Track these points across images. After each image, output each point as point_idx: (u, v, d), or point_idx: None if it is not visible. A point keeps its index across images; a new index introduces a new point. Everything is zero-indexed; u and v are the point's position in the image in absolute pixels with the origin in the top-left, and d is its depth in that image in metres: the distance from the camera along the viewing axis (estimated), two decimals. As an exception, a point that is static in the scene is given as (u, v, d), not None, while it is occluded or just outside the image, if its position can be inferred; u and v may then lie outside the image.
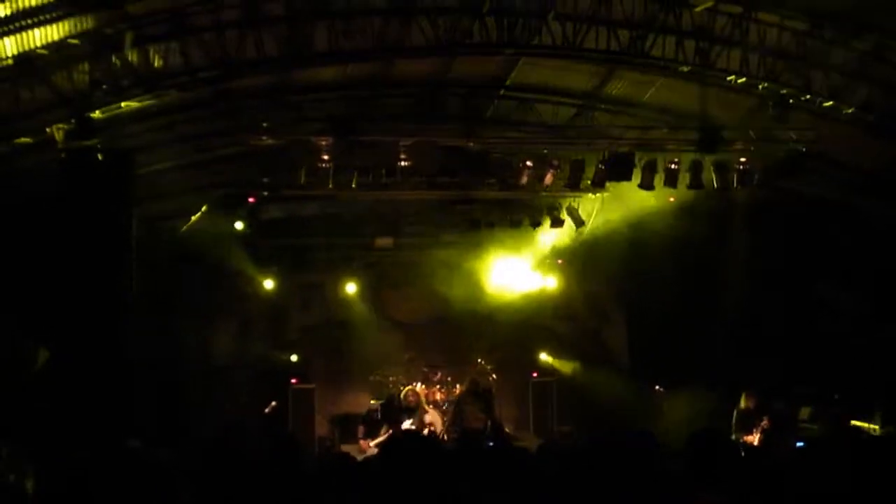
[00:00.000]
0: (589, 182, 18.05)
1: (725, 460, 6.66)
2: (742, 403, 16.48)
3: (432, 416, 20.26)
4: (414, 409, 20.34)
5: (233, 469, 6.54)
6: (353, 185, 18.22)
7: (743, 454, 8.22)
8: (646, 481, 6.31)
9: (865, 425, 16.39)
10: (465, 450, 8.45)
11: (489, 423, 18.99)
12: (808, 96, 16.32)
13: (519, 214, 22.18)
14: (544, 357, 24.29)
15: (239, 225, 19.05)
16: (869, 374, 17.81)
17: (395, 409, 20.23)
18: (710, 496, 6.31)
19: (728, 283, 19.78)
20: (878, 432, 15.98)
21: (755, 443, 16.07)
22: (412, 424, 19.56)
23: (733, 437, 16.01)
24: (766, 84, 16.24)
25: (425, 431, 19.21)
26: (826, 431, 16.70)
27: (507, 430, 19.76)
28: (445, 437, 19.15)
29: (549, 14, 15.29)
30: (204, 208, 19.78)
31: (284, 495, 6.49)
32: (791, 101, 16.24)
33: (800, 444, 14.19)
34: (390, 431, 18.63)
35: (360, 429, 20.24)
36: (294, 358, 23.11)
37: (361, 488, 6.47)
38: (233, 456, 6.89)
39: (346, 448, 18.41)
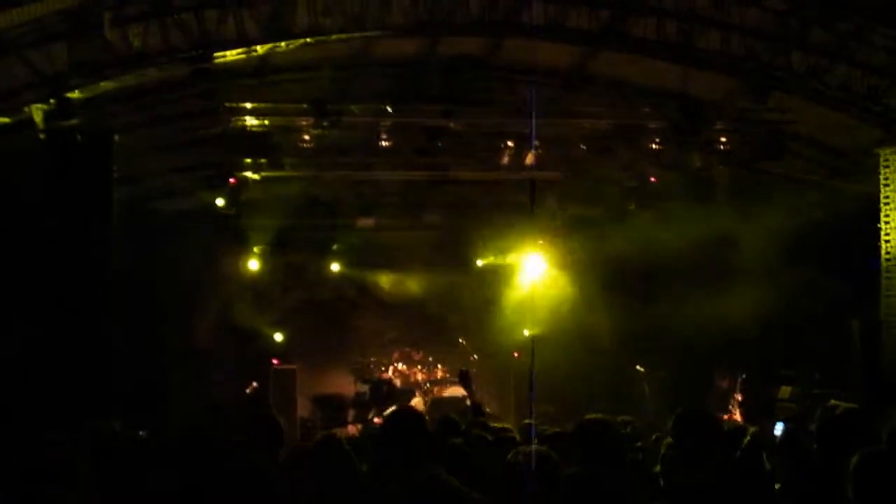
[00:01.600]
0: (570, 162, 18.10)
1: (710, 439, 6.70)
2: (716, 384, 16.62)
3: (415, 400, 20.37)
4: (398, 393, 20.46)
5: (212, 449, 6.53)
6: (334, 166, 18.19)
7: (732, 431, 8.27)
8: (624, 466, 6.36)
9: (844, 404, 16.48)
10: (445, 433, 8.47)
11: (469, 403, 19.06)
12: (788, 76, 16.34)
13: (501, 195, 22.19)
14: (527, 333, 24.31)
15: (220, 202, 18.99)
16: (849, 353, 17.90)
17: (383, 393, 20.32)
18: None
19: (708, 263, 19.83)
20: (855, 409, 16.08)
21: (738, 419, 16.22)
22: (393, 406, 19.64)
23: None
24: (746, 64, 16.24)
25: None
26: (807, 411, 16.81)
27: (487, 410, 19.82)
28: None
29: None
30: (185, 189, 19.74)
31: (264, 476, 6.49)
32: (771, 81, 16.26)
33: (780, 424, 14.29)
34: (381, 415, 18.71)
35: (350, 412, 20.30)
36: (279, 337, 23.08)
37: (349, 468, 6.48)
38: (212, 436, 6.88)
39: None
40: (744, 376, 16.79)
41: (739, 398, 16.36)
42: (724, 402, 16.45)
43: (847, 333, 18.20)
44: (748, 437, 7.32)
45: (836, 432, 6.30)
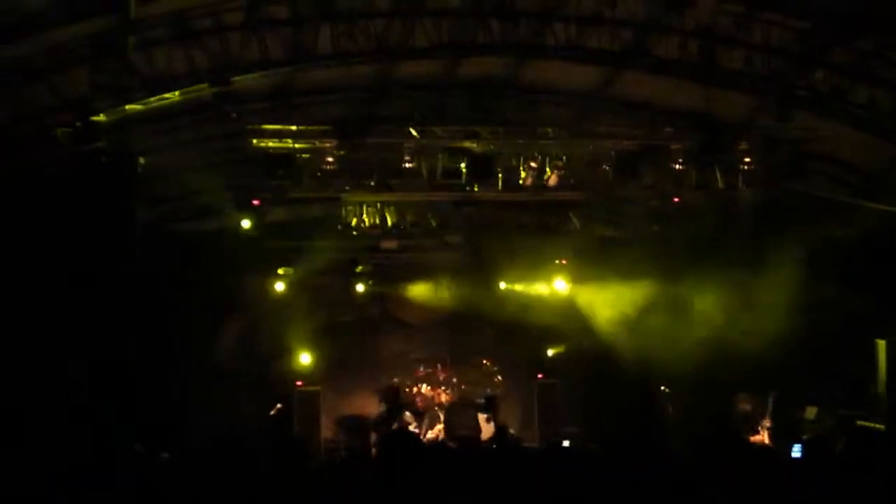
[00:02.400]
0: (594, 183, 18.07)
1: (737, 459, 6.68)
2: (739, 406, 16.53)
3: (438, 427, 20.33)
4: (422, 413, 20.42)
5: (236, 472, 6.56)
6: (357, 187, 18.22)
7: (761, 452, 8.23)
8: (649, 482, 6.33)
9: (871, 424, 16.38)
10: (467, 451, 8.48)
11: (495, 426, 19.06)
12: (811, 95, 16.31)
13: (524, 215, 22.14)
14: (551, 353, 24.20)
15: (246, 223, 19.01)
16: (873, 374, 17.80)
17: (399, 408, 20.28)
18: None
19: (731, 284, 19.75)
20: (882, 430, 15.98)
21: (766, 441, 16.13)
22: (416, 427, 19.61)
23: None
24: (769, 83, 16.23)
25: (430, 434, 19.29)
26: (832, 431, 16.69)
27: (511, 431, 19.78)
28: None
29: (552, 15, 15.31)
30: (208, 210, 19.81)
31: (289, 497, 6.51)
32: (794, 100, 16.23)
33: (797, 445, 14.20)
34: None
35: (373, 435, 20.23)
36: (307, 359, 23.07)
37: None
38: (236, 459, 6.91)
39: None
40: (775, 398, 16.68)
41: (768, 419, 16.28)
42: (750, 423, 16.36)
43: (872, 353, 18.11)
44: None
45: (863, 453, 6.26)
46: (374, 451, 18.70)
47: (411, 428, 19.45)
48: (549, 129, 18.02)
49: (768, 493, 6.80)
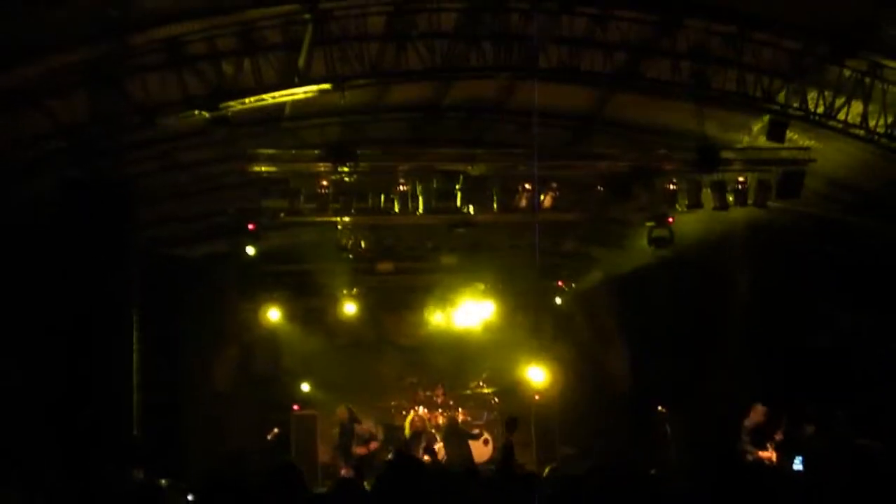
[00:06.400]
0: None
1: (740, 481, 6.65)
2: (751, 417, 16.49)
3: (437, 444, 20.30)
4: (419, 436, 20.40)
5: (234, 498, 6.53)
6: (352, 211, 18.22)
7: (762, 472, 8.20)
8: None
9: (869, 442, 16.32)
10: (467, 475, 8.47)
11: (502, 447, 19.07)
12: (804, 115, 16.34)
13: (519, 237, 22.17)
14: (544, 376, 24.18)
15: (251, 250, 18.98)
16: (872, 391, 17.78)
17: (392, 432, 20.29)
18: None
19: (729, 303, 19.76)
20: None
21: (772, 458, 16.09)
22: (414, 451, 19.58)
23: (747, 454, 16.03)
24: (762, 103, 16.26)
25: (426, 457, 19.25)
26: (830, 449, 16.62)
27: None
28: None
29: (546, 37, 15.33)
30: (204, 235, 19.82)
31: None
32: (787, 120, 16.26)
33: (798, 457, 14.17)
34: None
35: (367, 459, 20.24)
36: (306, 388, 23.08)
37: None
38: (234, 484, 6.88)
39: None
40: (788, 415, 16.68)
41: (780, 435, 16.29)
42: (760, 436, 16.35)
43: (872, 370, 18.10)
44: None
45: (865, 472, 6.24)
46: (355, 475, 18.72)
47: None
48: (544, 151, 18.06)
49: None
